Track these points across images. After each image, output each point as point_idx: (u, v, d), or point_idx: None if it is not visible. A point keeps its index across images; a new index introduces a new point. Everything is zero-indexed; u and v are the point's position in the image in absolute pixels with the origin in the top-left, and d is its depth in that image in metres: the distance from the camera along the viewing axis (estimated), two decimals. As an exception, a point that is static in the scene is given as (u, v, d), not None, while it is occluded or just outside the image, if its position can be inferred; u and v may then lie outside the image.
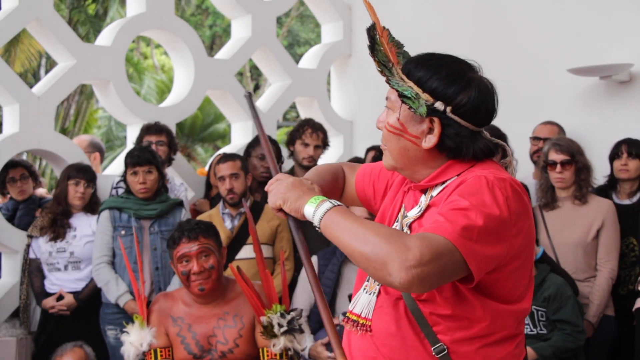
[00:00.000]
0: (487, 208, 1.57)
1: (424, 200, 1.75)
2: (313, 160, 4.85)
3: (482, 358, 1.67)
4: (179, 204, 4.36)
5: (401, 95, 1.68)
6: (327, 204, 1.64)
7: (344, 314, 3.76)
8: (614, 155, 4.19)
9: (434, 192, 1.73)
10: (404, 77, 1.71)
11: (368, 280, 1.79)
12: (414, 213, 1.76)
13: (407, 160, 1.74)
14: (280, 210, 1.74)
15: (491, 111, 1.74)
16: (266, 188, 1.78)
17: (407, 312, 1.68)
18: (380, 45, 1.73)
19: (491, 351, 1.67)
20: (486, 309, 1.65)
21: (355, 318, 1.78)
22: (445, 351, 1.64)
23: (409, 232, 1.73)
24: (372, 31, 1.73)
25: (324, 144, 4.89)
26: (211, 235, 3.29)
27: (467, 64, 1.76)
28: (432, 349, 1.65)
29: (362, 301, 1.78)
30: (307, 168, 4.88)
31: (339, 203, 1.65)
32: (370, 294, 1.77)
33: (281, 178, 1.77)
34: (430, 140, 1.69)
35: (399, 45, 1.78)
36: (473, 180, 1.62)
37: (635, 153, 4.13)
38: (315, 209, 1.66)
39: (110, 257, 4.20)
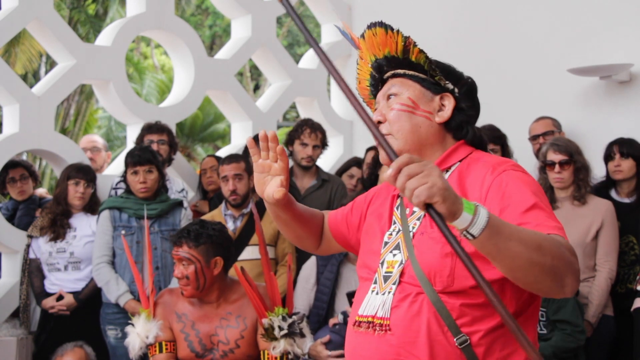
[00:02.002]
0: (539, 196, 1.66)
1: None
2: (312, 160, 4.84)
3: (501, 347, 1.67)
4: (179, 204, 4.37)
5: (429, 69, 1.80)
6: (483, 211, 1.43)
7: (343, 313, 3.78)
8: (607, 157, 4.21)
9: None
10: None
11: (375, 282, 1.77)
12: None
13: (417, 140, 1.79)
14: (427, 205, 1.39)
15: (479, 105, 1.89)
16: (399, 166, 1.38)
17: (430, 305, 1.67)
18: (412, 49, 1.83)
19: (509, 340, 1.68)
20: (513, 291, 1.67)
21: (369, 320, 1.74)
22: (468, 342, 1.65)
23: (417, 224, 1.75)
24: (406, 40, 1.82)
25: (322, 144, 4.89)
26: (200, 243, 3.23)
27: None
28: (455, 339, 1.65)
29: (373, 303, 1.75)
30: (306, 168, 4.88)
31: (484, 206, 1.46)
32: (384, 294, 1.74)
33: (421, 162, 1.40)
34: (442, 115, 1.80)
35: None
36: (505, 179, 1.67)
37: (627, 153, 4.14)
38: (474, 217, 1.41)
39: (111, 257, 4.20)
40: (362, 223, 1.96)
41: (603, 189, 4.23)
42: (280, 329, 3.11)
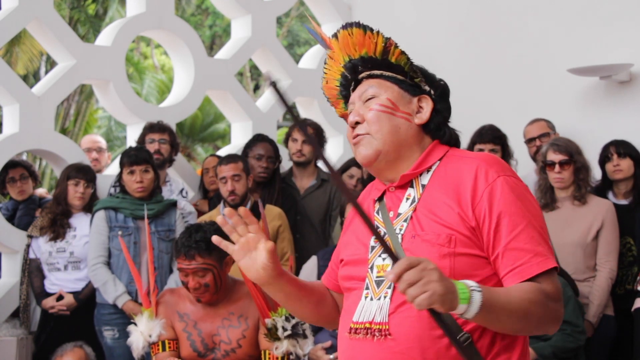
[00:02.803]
0: (532, 210, 1.70)
1: (413, 192, 1.77)
2: (302, 155, 4.84)
3: (501, 336, 1.68)
4: (174, 204, 4.36)
5: (410, 70, 1.81)
6: (477, 296, 1.52)
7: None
8: (604, 159, 4.22)
9: (424, 181, 1.77)
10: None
11: (368, 288, 1.74)
12: (405, 208, 1.76)
13: (396, 141, 1.78)
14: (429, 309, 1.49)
15: (450, 107, 1.88)
16: (398, 274, 1.46)
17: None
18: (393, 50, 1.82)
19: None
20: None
21: (367, 326, 1.71)
22: (470, 339, 1.65)
23: (404, 225, 1.73)
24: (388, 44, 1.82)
25: (317, 140, 4.88)
26: (210, 252, 3.18)
27: None
28: (458, 337, 1.64)
29: (368, 308, 1.73)
30: (297, 163, 4.89)
31: (478, 286, 1.54)
32: (379, 299, 1.71)
33: (419, 265, 1.48)
34: (421, 117, 1.80)
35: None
36: (499, 189, 1.69)
37: (624, 152, 4.15)
38: (468, 307, 1.52)
39: (107, 257, 4.18)
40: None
41: (600, 192, 4.23)
42: (284, 329, 3.11)
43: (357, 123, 1.82)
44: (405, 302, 1.66)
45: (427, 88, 1.83)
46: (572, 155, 3.99)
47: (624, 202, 4.19)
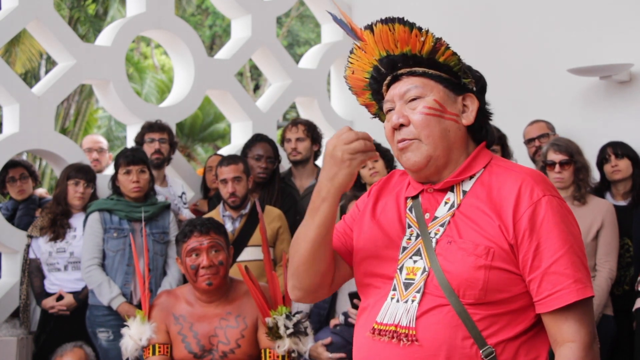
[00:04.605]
0: (574, 234, 1.66)
1: (453, 196, 1.72)
2: (298, 153, 4.84)
3: (525, 352, 1.65)
4: (167, 207, 4.36)
5: (459, 70, 1.72)
6: None
7: (345, 313, 3.76)
8: (602, 160, 4.23)
9: (466, 187, 1.72)
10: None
11: (395, 289, 1.69)
12: (443, 212, 1.71)
13: (447, 144, 1.71)
14: None
15: (487, 101, 1.83)
16: None
17: (455, 317, 1.63)
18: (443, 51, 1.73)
19: (533, 344, 1.67)
20: (524, 317, 1.68)
21: (392, 328, 1.66)
22: (494, 354, 1.62)
23: (440, 230, 1.68)
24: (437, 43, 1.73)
25: (311, 137, 4.87)
26: (221, 232, 3.29)
27: None
28: (481, 351, 1.61)
29: (394, 310, 1.67)
30: (294, 163, 4.89)
31: None
32: (406, 302, 1.66)
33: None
34: (469, 117, 1.74)
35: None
36: (542, 209, 1.64)
37: (622, 153, 4.17)
38: None
39: (101, 259, 4.16)
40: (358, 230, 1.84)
41: (598, 193, 4.23)
42: (286, 327, 3.12)
43: (402, 125, 1.72)
44: (433, 307, 1.64)
45: (472, 87, 1.75)
46: (573, 155, 3.99)
47: (622, 203, 4.19)
